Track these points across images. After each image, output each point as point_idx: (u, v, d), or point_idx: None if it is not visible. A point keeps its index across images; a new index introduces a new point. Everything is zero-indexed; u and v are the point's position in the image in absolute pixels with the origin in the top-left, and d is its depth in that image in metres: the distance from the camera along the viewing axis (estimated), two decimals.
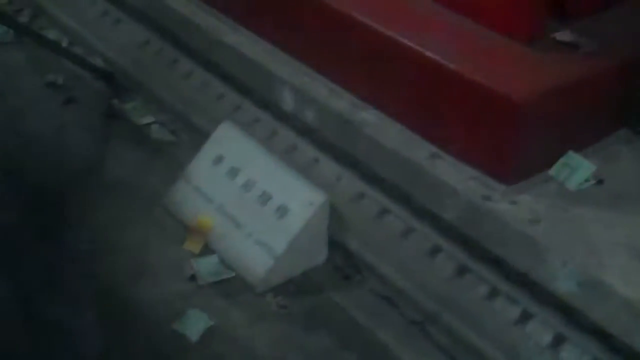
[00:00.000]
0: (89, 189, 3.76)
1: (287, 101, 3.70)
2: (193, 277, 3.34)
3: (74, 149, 4.04)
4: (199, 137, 3.83)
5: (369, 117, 3.39)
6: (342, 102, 3.45)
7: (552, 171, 3.00)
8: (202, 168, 3.67)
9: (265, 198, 3.47)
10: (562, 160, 2.98)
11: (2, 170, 3.71)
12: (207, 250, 3.47)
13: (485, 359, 3.00)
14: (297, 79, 3.68)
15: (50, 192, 3.69)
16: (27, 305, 3.08)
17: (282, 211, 3.40)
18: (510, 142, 3.02)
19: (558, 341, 2.79)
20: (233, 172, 3.59)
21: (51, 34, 4.88)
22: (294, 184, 3.44)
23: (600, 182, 2.96)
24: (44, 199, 3.65)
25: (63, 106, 4.30)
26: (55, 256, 3.34)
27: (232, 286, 3.33)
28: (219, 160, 3.66)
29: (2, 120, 4.12)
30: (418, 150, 3.17)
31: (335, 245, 3.48)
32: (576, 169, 2.96)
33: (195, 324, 3.13)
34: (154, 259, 3.42)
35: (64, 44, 4.83)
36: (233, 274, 3.38)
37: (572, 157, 2.98)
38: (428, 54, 3.13)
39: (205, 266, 3.39)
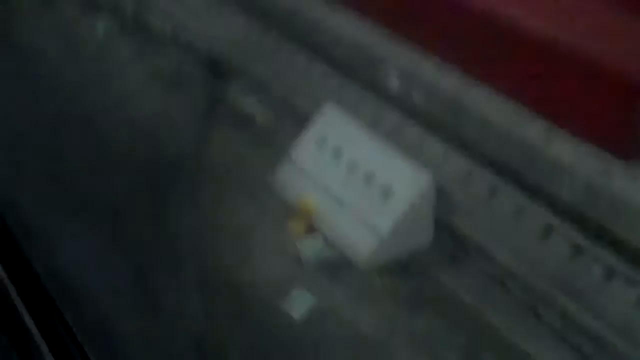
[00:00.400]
0: (195, 171, 3.90)
1: (393, 81, 3.72)
2: (298, 258, 3.48)
3: (179, 134, 4.19)
4: (302, 120, 3.92)
5: (479, 95, 3.40)
6: (450, 80, 3.51)
7: None
8: (306, 150, 3.79)
9: (369, 178, 3.53)
10: None
11: (112, 154, 3.98)
12: (312, 231, 3.57)
13: (603, 343, 2.99)
14: (402, 58, 3.70)
15: (157, 176, 3.87)
16: (137, 287, 3.24)
17: (387, 191, 3.46)
18: (630, 115, 2.95)
19: None
20: (337, 153, 3.68)
21: (155, 24, 5.07)
22: (398, 164, 3.51)
23: None
24: (151, 182, 3.82)
25: (168, 94, 4.46)
26: (165, 235, 3.49)
27: (337, 266, 3.42)
28: (322, 141, 3.76)
29: (110, 109, 4.33)
30: (531, 127, 3.20)
31: (442, 226, 3.50)
32: None
33: (300, 303, 3.25)
34: (259, 240, 3.54)
35: (168, 33, 5.01)
36: (338, 255, 3.47)
37: None
38: (546, 29, 3.10)
39: (310, 247, 3.52)
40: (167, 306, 3.17)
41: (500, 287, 3.29)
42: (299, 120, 3.98)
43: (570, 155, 3.08)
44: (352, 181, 3.58)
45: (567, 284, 3.12)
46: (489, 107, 3.35)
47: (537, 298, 3.20)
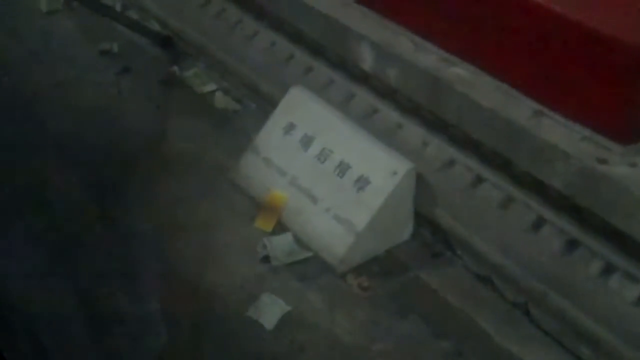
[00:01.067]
0: (150, 164, 3.72)
1: (366, 59, 3.54)
2: (266, 258, 3.31)
3: (131, 122, 4.00)
4: (267, 104, 3.83)
5: (462, 73, 3.19)
6: (429, 57, 3.29)
7: None
8: (272, 138, 3.64)
9: (343, 169, 3.41)
10: None
11: (57, 146, 3.72)
12: (280, 228, 3.44)
13: (600, 344, 2.86)
14: (376, 34, 3.50)
15: (108, 169, 3.64)
16: (86, 296, 3.02)
17: (362, 183, 3.34)
18: (629, 95, 2.76)
19: None
20: (306, 141, 3.55)
21: None
22: (375, 152, 3.38)
23: None
24: (102, 176, 3.60)
25: (118, 75, 4.28)
26: (117, 239, 3.29)
27: (310, 267, 3.30)
28: (290, 128, 3.61)
29: (55, 93, 4.11)
30: (519, 108, 2.99)
31: (422, 219, 3.42)
32: None
33: (270, 310, 3.08)
34: (223, 239, 3.38)
35: (118, 8, 4.84)
36: (310, 254, 3.34)
37: None
38: None
39: (280, 246, 3.36)
40: (122, 321, 3.00)
41: (487, 285, 3.21)
42: (265, 104, 3.92)
43: (563, 140, 2.88)
44: (324, 172, 3.45)
45: (560, 281, 2.99)
46: (473, 85, 3.14)
47: (529, 297, 3.09)
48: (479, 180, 3.26)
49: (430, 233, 3.42)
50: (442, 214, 3.36)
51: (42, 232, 3.30)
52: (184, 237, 3.37)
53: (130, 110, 4.08)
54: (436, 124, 3.37)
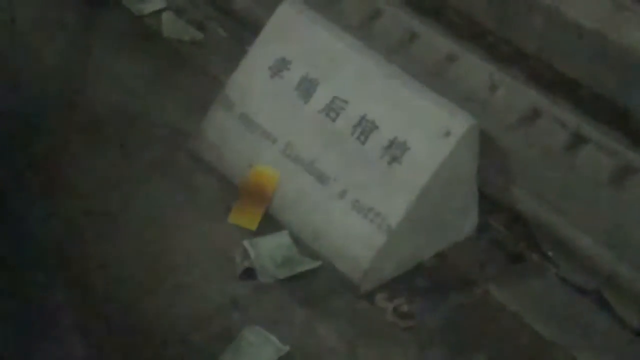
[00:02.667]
0: (63, 129, 3.70)
1: None
2: (250, 272, 3.23)
3: (35, 63, 3.98)
4: (244, 29, 3.84)
5: None
6: None
7: None
8: (252, 83, 3.56)
9: (365, 129, 3.35)
10: None
11: None
12: (270, 224, 3.38)
13: None
14: None
15: (7, 137, 3.62)
16: None
17: (396, 150, 3.29)
18: None
19: None
20: (307, 87, 3.48)
21: None
22: (414, 102, 3.31)
23: None
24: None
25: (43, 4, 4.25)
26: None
27: (318, 284, 3.26)
28: (280, 67, 3.53)
29: None
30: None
31: (492, 204, 3.40)
32: None
33: (258, 354, 3.02)
34: (180, 243, 3.33)
35: None
36: (318, 263, 3.29)
37: None
38: None
39: (270, 252, 3.31)
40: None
41: (596, 305, 3.24)
42: (238, 31, 3.95)
43: None
44: (336, 135, 3.39)
45: None
46: None
47: None
48: (578, 140, 3.26)
49: (504, 225, 3.43)
50: (523, 196, 3.36)
51: None
52: (118, 241, 3.31)
53: (30, 45, 4.07)
54: (508, 55, 3.39)
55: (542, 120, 3.33)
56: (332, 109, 3.42)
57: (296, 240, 3.37)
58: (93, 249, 3.31)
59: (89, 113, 3.77)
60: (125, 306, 3.13)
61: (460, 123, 3.25)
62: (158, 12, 4.22)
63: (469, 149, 3.29)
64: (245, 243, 3.30)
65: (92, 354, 3.03)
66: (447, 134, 3.23)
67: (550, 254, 3.33)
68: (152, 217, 3.42)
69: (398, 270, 3.29)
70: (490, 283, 3.30)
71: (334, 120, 3.41)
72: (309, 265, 3.31)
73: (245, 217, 3.43)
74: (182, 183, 3.54)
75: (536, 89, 3.33)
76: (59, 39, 4.10)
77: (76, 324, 3.09)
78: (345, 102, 3.41)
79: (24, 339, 3.05)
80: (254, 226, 3.40)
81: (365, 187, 3.30)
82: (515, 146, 3.36)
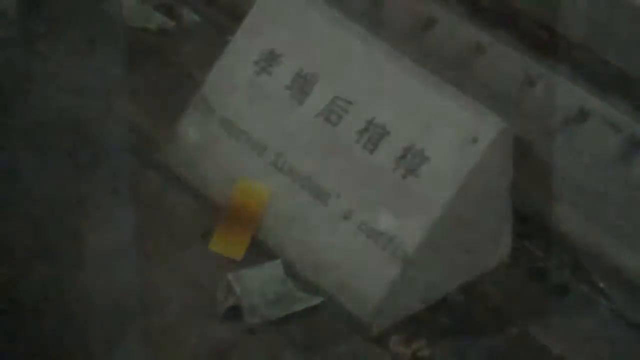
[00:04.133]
0: (7, 135, 3.59)
1: None
2: (235, 311, 3.11)
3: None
4: (224, 15, 3.74)
5: None
6: None
7: None
8: (235, 81, 3.48)
9: (374, 135, 3.22)
10: None
11: None
12: (259, 252, 3.27)
13: None
14: None
15: None
16: None
17: (412, 161, 3.16)
18: None
19: None
20: (302, 85, 3.35)
21: None
22: (434, 102, 3.22)
23: None
24: None
25: None
26: None
27: (318, 325, 3.13)
28: (269, 60, 3.42)
29: None
30: None
31: (529, 224, 3.28)
32: None
33: None
34: (152, 278, 3.17)
35: None
36: (319, 300, 3.19)
37: None
38: None
39: (259, 286, 3.19)
40: None
41: None
42: (216, 17, 3.94)
43: None
44: (339, 142, 3.28)
45: None
46: None
47: None
48: (634, 147, 3.14)
49: (544, 251, 3.32)
50: (567, 214, 3.25)
51: None
52: (75, 279, 3.15)
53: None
54: (548, 46, 3.28)
55: (590, 122, 3.20)
56: (333, 112, 3.28)
57: (291, 271, 3.24)
58: (44, 291, 3.18)
59: (31, 117, 3.67)
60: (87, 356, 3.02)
61: (489, 127, 3.14)
62: None
63: (501, 158, 3.18)
64: (230, 276, 3.15)
65: None
66: (474, 140, 3.10)
67: (601, 284, 3.21)
68: (114, 247, 3.27)
69: (416, 306, 3.16)
70: (529, 321, 3.14)
71: (335, 125, 3.28)
72: (308, 302, 3.18)
73: (229, 244, 3.28)
74: (151, 203, 3.40)
75: (583, 85, 3.24)
76: None
77: None
78: (349, 102, 3.27)
79: None
80: (239, 255, 3.25)
81: (374, 207, 3.18)
82: (558, 155, 3.26)
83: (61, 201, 3.41)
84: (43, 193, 3.45)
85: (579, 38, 3.19)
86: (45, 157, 3.58)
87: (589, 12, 3.15)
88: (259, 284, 3.17)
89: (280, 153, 3.30)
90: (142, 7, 4.21)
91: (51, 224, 3.37)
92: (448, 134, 3.14)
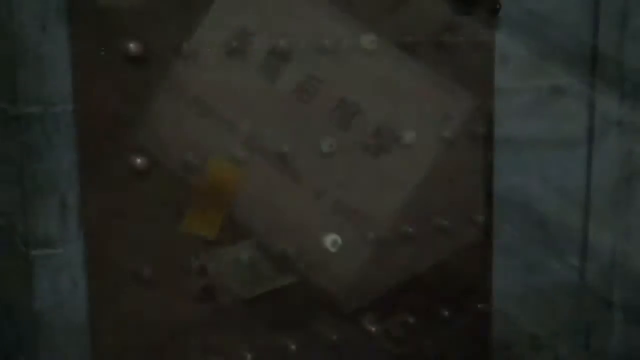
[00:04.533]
0: None
1: None
2: (208, 291, 3.10)
3: None
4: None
5: None
6: None
7: None
8: (205, 60, 3.31)
9: (346, 113, 3.19)
10: None
11: None
12: (231, 231, 3.20)
13: None
14: None
15: None
16: None
17: (383, 139, 3.17)
18: None
19: None
20: (274, 64, 3.27)
21: None
22: (405, 80, 3.16)
23: None
24: None
25: None
26: None
27: (292, 303, 3.15)
28: (240, 39, 3.28)
29: None
30: None
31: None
32: None
33: None
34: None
35: None
36: (293, 279, 3.19)
37: None
38: None
39: (233, 266, 3.18)
40: None
41: None
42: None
43: None
44: (311, 121, 3.23)
45: None
46: None
47: None
48: None
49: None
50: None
51: None
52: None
53: None
54: None
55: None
56: (306, 90, 3.25)
57: (264, 251, 3.21)
58: None
59: None
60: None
61: (463, 103, 3.16)
62: None
63: (474, 135, 3.20)
64: (202, 256, 3.15)
65: None
66: (447, 117, 3.13)
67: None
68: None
69: (390, 284, 3.18)
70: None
71: (307, 102, 3.24)
72: (281, 281, 3.20)
73: (202, 224, 3.26)
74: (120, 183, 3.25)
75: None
76: None
77: None
78: (321, 81, 3.23)
79: None
80: (212, 235, 3.21)
81: (347, 185, 3.17)
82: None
83: None
84: None
85: None
86: None
87: None
88: (232, 263, 3.19)
89: (252, 131, 3.24)
90: None
91: None
92: (421, 111, 3.14)
